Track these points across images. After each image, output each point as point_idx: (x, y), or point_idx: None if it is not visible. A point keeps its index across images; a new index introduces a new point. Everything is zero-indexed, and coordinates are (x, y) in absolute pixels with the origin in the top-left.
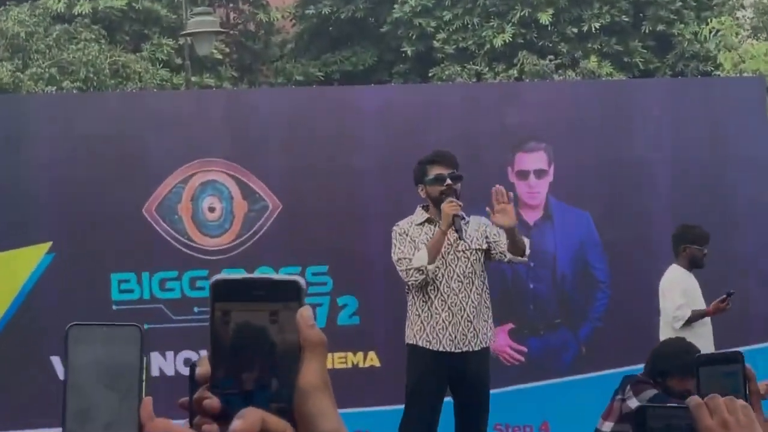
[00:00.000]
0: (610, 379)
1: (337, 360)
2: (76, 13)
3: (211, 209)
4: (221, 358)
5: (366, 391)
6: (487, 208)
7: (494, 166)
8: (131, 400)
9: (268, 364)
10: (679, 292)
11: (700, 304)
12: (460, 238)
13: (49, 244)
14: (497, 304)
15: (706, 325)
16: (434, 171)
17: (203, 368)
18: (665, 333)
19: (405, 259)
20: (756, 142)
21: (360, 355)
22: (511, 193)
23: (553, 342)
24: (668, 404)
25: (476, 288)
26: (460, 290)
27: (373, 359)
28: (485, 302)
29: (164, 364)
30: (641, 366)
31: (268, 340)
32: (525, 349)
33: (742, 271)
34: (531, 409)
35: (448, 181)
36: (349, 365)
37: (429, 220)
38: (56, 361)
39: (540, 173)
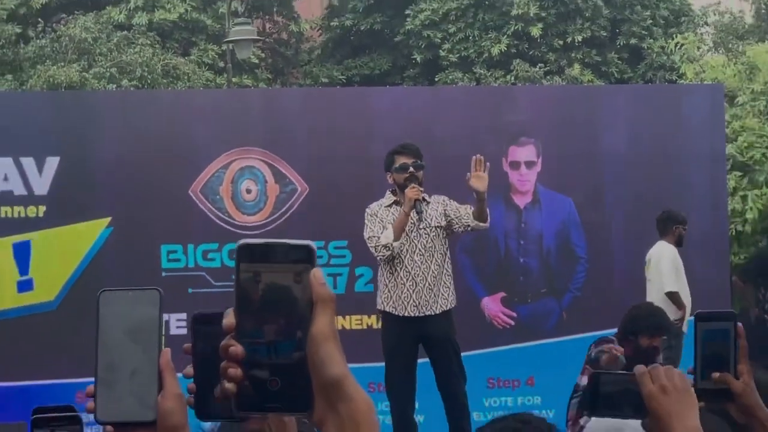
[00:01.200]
0: (587, 340)
1: (354, 322)
2: (134, 23)
3: (248, 191)
4: (249, 312)
5: (378, 349)
6: (468, 174)
7: (490, 158)
8: (152, 351)
9: (291, 319)
10: (673, 268)
11: (684, 279)
12: (420, 219)
13: (109, 219)
14: (490, 277)
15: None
16: (400, 161)
17: (228, 320)
18: (656, 299)
19: (374, 237)
20: (713, 142)
21: (374, 317)
22: (488, 164)
23: (539, 309)
24: (616, 372)
25: (436, 260)
26: (422, 262)
27: None
28: (446, 271)
29: None
30: (614, 330)
31: (292, 297)
32: (515, 315)
33: (694, 249)
34: (519, 365)
35: (411, 170)
36: (364, 326)
37: (396, 203)
38: None
39: (530, 164)
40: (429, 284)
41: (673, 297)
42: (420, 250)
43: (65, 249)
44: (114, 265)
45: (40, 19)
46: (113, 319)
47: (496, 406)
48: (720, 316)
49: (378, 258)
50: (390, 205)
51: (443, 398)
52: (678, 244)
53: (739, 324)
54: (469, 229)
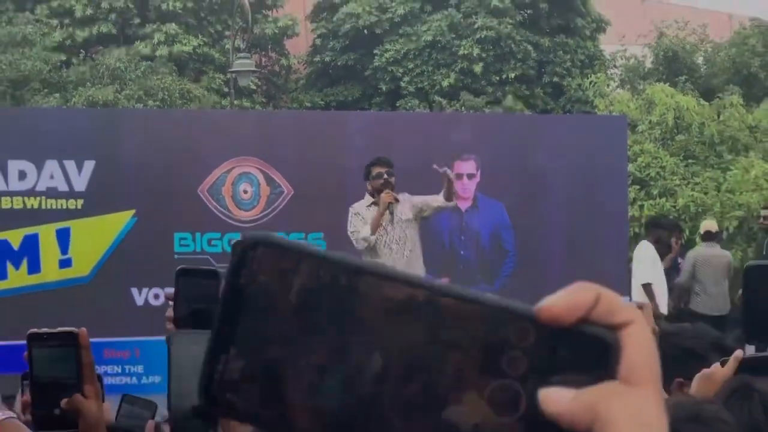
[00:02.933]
0: None
1: None
2: (157, 54)
3: (245, 191)
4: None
5: None
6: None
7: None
8: None
9: None
10: (649, 263)
11: (661, 274)
12: (391, 219)
13: (133, 211)
14: (437, 265)
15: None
16: (376, 170)
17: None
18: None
19: (356, 231)
20: (617, 161)
21: None
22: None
23: None
24: None
25: (407, 247)
26: (396, 251)
27: None
28: (417, 257)
29: None
30: None
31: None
32: None
33: (599, 247)
34: None
35: (385, 176)
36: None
37: (374, 203)
38: (134, 291)
39: (471, 176)
40: (402, 268)
41: (646, 288)
42: (396, 240)
43: (98, 234)
44: (136, 248)
45: (81, 50)
46: (185, 359)
47: None
48: None
49: (357, 248)
50: (370, 206)
51: None
52: (655, 242)
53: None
54: (438, 209)
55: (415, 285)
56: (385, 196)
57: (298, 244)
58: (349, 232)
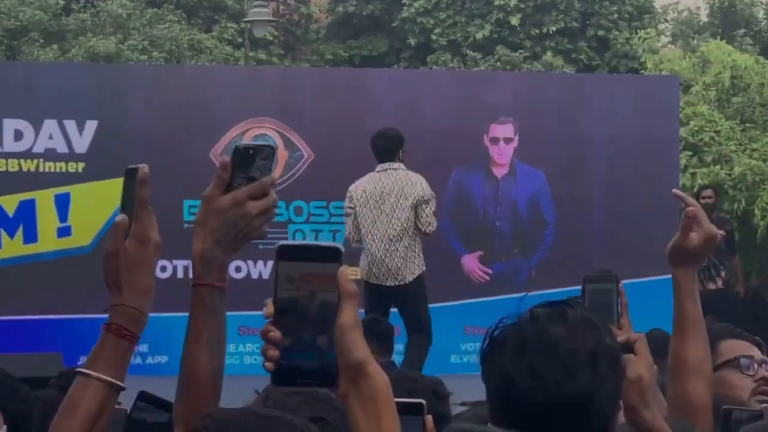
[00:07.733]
0: (553, 296)
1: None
2: None
3: None
4: (285, 302)
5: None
6: None
7: (473, 133)
8: None
9: (321, 310)
10: None
11: None
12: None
13: None
14: (470, 237)
15: None
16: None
17: (267, 309)
18: None
19: (434, 222)
20: (668, 125)
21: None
22: None
23: (511, 267)
24: None
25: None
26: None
27: None
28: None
29: None
30: (576, 287)
31: (321, 292)
32: (490, 271)
33: (651, 216)
34: (493, 315)
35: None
36: (358, 277)
37: None
38: None
39: (508, 140)
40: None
41: None
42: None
43: (100, 201)
44: None
45: None
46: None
47: (471, 351)
48: (605, 278)
49: (431, 232)
50: None
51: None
52: None
53: (621, 282)
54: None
55: None
56: None
57: None
58: (424, 222)
